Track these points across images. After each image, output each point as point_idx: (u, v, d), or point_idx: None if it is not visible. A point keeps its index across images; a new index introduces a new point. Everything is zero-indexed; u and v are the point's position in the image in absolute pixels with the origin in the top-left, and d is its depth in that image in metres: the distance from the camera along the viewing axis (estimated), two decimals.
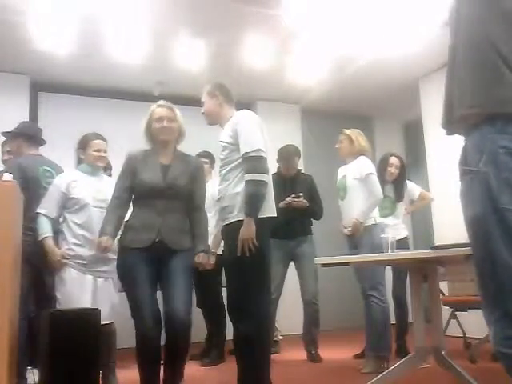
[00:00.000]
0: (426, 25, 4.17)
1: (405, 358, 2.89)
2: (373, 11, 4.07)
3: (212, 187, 3.66)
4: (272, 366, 2.66)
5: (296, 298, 4.21)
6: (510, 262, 1.19)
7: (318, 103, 6.25)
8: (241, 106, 2.99)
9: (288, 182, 4.22)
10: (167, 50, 4.59)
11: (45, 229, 3.09)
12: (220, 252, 3.58)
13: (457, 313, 4.26)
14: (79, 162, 3.32)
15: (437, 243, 4.29)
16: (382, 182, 3.86)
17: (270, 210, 2.65)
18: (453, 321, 4.27)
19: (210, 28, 4.42)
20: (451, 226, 3.75)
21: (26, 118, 4.70)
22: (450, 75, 1.39)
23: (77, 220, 3.11)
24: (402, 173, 4.15)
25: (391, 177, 4.11)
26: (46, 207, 3.12)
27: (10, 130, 3.58)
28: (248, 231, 2.51)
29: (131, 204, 2.78)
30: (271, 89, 5.73)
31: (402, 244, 3.82)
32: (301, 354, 4.16)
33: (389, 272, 3.95)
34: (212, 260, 3.44)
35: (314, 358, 4.04)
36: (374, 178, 3.59)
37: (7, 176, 2.64)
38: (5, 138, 3.73)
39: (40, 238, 3.08)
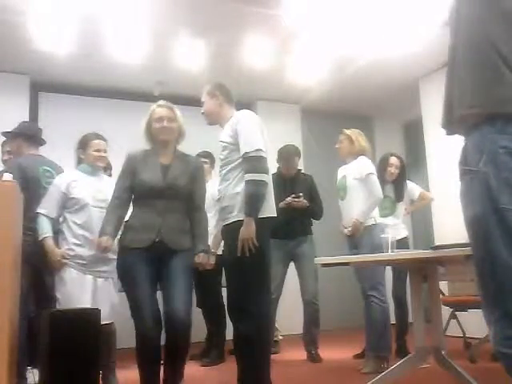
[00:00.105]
0: (426, 25, 4.17)
1: (405, 358, 2.88)
2: (373, 11, 4.07)
3: (212, 187, 3.66)
4: (272, 366, 2.66)
5: (296, 298, 4.21)
6: (509, 262, 1.19)
7: (317, 103, 6.24)
8: (241, 106, 2.99)
9: (288, 182, 4.22)
10: (167, 50, 4.59)
11: (45, 229, 3.09)
12: (220, 252, 3.57)
13: (457, 313, 4.25)
14: (79, 161, 3.32)
15: (437, 243, 4.30)
16: (382, 182, 3.85)
17: (270, 210, 2.65)
18: (453, 321, 4.27)
19: (210, 28, 4.42)
20: (451, 226, 3.76)
21: (26, 118, 4.69)
22: (449, 75, 1.39)
23: (77, 220, 3.10)
24: (402, 173, 4.15)
25: (391, 177, 4.11)
26: (46, 207, 3.12)
27: (9, 130, 3.58)
28: (248, 231, 2.51)
29: (131, 204, 2.78)
30: (271, 89, 5.72)
31: (401, 244, 3.82)
32: (301, 354, 4.16)
33: (389, 272, 3.95)
34: (212, 260, 3.44)
35: (313, 357, 4.04)
36: (374, 178, 3.59)
37: (7, 176, 2.64)
38: (5, 138, 3.73)
39: (40, 238, 3.08)
